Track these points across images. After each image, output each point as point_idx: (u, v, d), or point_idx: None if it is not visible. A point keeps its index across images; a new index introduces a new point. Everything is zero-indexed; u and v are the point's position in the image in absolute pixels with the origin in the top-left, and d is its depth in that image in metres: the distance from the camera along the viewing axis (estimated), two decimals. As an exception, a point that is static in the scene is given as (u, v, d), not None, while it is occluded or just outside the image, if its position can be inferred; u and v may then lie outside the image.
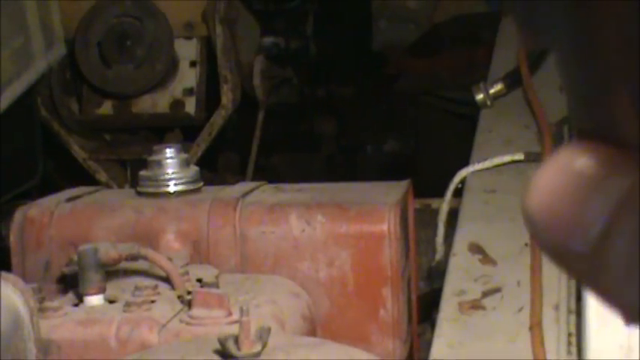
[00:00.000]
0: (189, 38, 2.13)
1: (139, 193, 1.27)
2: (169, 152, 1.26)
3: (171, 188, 1.25)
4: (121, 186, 2.13)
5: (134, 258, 1.07)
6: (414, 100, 2.60)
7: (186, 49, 2.14)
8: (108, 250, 1.04)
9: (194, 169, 1.29)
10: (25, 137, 1.74)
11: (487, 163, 1.62)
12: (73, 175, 2.21)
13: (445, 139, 2.49)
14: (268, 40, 2.50)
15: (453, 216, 1.59)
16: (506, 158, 1.62)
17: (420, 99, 2.60)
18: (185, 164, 1.28)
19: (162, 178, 1.25)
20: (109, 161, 2.15)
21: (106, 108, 2.14)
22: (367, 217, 1.18)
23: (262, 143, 2.35)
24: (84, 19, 2.05)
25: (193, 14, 2.12)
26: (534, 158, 1.61)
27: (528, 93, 1.76)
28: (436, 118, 2.56)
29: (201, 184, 1.28)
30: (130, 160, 2.14)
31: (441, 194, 1.79)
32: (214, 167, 2.45)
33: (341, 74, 2.63)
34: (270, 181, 2.55)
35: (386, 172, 2.60)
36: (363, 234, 1.17)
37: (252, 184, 1.32)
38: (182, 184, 1.25)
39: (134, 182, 2.14)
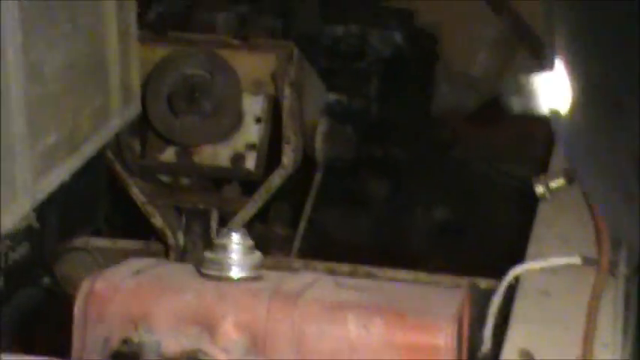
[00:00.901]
0: (256, 95, 2.15)
1: (202, 274, 1.28)
2: (235, 238, 1.27)
3: (234, 274, 1.26)
4: (174, 232, 2.14)
5: (194, 355, 1.08)
6: (469, 168, 2.59)
7: (252, 105, 2.15)
8: (170, 345, 1.06)
9: (257, 255, 1.29)
10: (90, 181, 1.77)
11: (543, 263, 1.62)
12: (129, 217, 2.23)
13: (499, 212, 2.49)
14: (332, 97, 2.51)
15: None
16: (563, 261, 1.61)
17: (475, 168, 2.60)
18: (249, 251, 1.28)
19: (226, 262, 1.26)
20: (166, 207, 2.17)
21: (169, 154, 2.16)
22: (425, 329, 1.18)
23: (315, 199, 2.36)
24: (157, 68, 2.08)
25: (263, 72, 2.13)
26: (591, 263, 1.60)
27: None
28: (490, 190, 2.56)
29: (263, 271, 1.29)
30: (186, 208, 2.16)
31: (489, 271, 1.78)
32: (265, 217, 2.46)
33: (399, 136, 2.64)
34: (319, 236, 2.56)
35: (434, 239, 2.61)
36: (419, 345, 1.17)
37: (312, 277, 1.32)
38: (245, 270, 1.26)
39: (187, 231, 2.17)
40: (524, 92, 1.61)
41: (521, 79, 1.62)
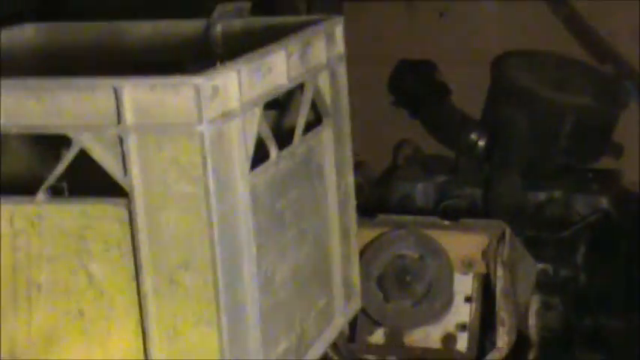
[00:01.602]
0: (466, 274, 2.11)
1: None
2: None
3: None
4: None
5: None
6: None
7: (462, 284, 2.12)
8: None
9: None
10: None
11: None
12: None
13: None
14: (538, 266, 2.44)
15: None
16: None
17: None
18: None
19: None
20: (377, 391, 2.13)
21: (379, 337, 2.13)
22: None
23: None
24: (367, 251, 2.08)
25: (473, 251, 2.10)
26: None
27: None
28: None
29: None
30: (398, 393, 2.11)
31: None
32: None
33: (611, 306, 2.53)
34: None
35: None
36: None
37: None
38: None
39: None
40: None
41: None
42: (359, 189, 2.82)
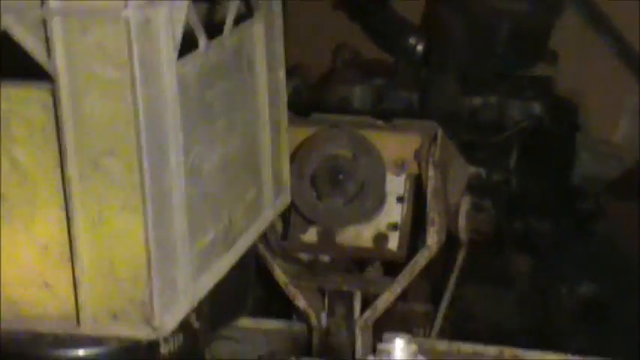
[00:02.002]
0: (398, 175, 2.13)
1: (365, 381, 1.25)
2: (399, 344, 1.25)
3: (399, 382, 1.23)
4: (317, 313, 2.13)
5: None
6: (616, 244, 2.52)
7: (395, 185, 2.13)
8: None
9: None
10: (239, 270, 1.77)
11: None
12: (273, 297, 2.23)
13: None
14: (471, 169, 2.48)
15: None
16: None
17: (622, 243, 2.53)
18: (413, 355, 1.26)
19: (390, 369, 1.24)
20: (308, 288, 2.16)
21: (311, 235, 2.15)
22: None
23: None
24: (300, 149, 2.08)
25: (406, 152, 2.11)
26: None
27: None
28: (638, 266, 2.48)
29: (427, 378, 1.26)
30: (329, 291, 2.14)
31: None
32: (403, 295, 2.42)
33: (540, 209, 2.58)
34: (459, 315, 2.51)
35: (580, 318, 2.53)
36: None
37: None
38: (409, 378, 1.24)
39: (330, 312, 2.16)
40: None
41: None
42: (297, 91, 2.83)
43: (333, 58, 2.92)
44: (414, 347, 1.26)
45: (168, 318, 1.34)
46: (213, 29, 1.47)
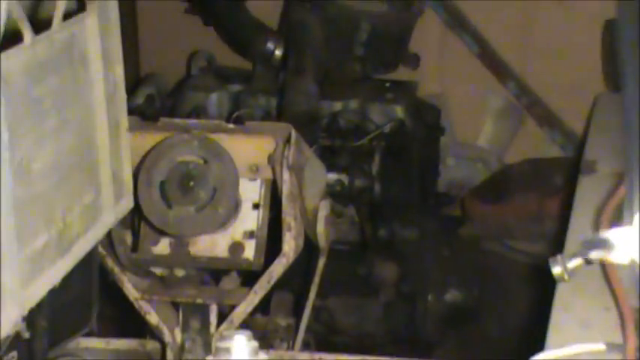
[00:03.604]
0: (253, 180, 2.15)
1: (206, 381, 1.27)
2: (240, 340, 1.27)
3: (240, 379, 1.25)
4: (171, 329, 2.13)
5: None
6: (480, 247, 2.59)
7: (250, 191, 2.15)
8: None
9: (262, 358, 1.29)
10: (81, 281, 1.77)
11: (564, 352, 1.60)
12: (123, 313, 2.22)
13: (513, 292, 2.48)
14: (332, 177, 2.52)
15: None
16: (586, 348, 1.60)
17: (487, 247, 2.60)
18: (254, 353, 1.28)
19: (230, 367, 1.26)
20: (161, 303, 2.16)
21: (163, 246, 2.15)
22: None
23: (319, 285, 2.35)
24: (149, 156, 2.08)
25: (259, 156, 2.14)
26: (616, 350, 1.59)
27: (610, 275, 1.75)
28: (503, 269, 2.55)
29: (269, 374, 1.28)
30: (183, 303, 2.15)
31: (505, 355, 1.77)
32: (266, 308, 2.45)
33: (405, 215, 2.64)
34: (325, 325, 2.54)
35: (447, 324, 2.59)
36: None
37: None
38: (250, 375, 1.26)
39: (184, 328, 2.16)
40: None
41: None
42: (150, 100, 2.83)
43: (187, 65, 2.94)
44: (254, 344, 1.28)
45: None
46: (43, 24, 1.47)
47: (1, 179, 1.31)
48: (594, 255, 1.61)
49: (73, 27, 1.53)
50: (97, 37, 1.59)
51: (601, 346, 1.60)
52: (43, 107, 1.44)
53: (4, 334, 1.35)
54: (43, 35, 1.44)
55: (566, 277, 1.87)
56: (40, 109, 1.43)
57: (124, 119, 1.67)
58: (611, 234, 1.59)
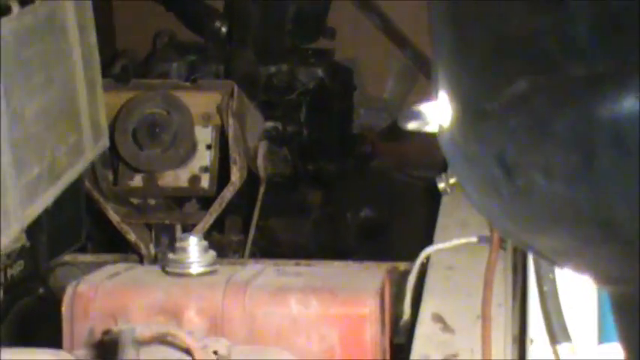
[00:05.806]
0: (206, 126, 2.15)
1: (167, 273, 1.27)
2: (193, 240, 1.27)
3: (194, 270, 1.26)
4: (146, 244, 2.13)
5: (164, 336, 1.08)
6: (387, 176, 2.62)
7: (203, 135, 2.16)
8: (143, 331, 1.05)
9: (212, 254, 1.29)
10: (72, 206, 1.75)
11: (447, 244, 1.64)
12: (108, 235, 2.22)
13: (413, 208, 2.52)
14: (269, 124, 2.52)
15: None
16: (463, 240, 1.64)
17: (392, 175, 2.63)
18: (205, 250, 1.29)
19: (186, 261, 1.26)
20: (138, 225, 2.15)
21: (137, 181, 2.15)
22: (353, 302, 1.19)
23: (261, 209, 2.36)
24: (123, 109, 2.07)
25: (210, 107, 2.13)
26: (486, 241, 1.63)
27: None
28: (405, 192, 2.58)
29: (217, 266, 1.29)
30: (155, 224, 2.15)
31: (408, 256, 1.79)
32: (222, 228, 2.45)
33: (327, 153, 2.65)
34: (267, 240, 2.55)
35: (362, 235, 2.63)
36: (349, 316, 1.18)
37: (258, 268, 1.32)
38: (202, 266, 1.26)
39: (157, 243, 2.16)
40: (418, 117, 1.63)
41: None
42: (125, 69, 2.78)
43: (153, 42, 2.90)
44: (204, 243, 1.29)
45: (3, 239, 1.32)
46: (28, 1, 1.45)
47: (0, 123, 1.30)
48: (411, 126, 1.58)
49: (53, 3, 1.51)
50: (73, 12, 1.56)
51: (474, 239, 1.64)
52: (31, 66, 1.42)
53: (6, 244, 1.34)
54: (28, 8, 1.42)
55: (448, 190, 1.90)
56: (29, 68, 1.41)
57: (99, 78, 1.66)
58: (423, 107, 1.55)
